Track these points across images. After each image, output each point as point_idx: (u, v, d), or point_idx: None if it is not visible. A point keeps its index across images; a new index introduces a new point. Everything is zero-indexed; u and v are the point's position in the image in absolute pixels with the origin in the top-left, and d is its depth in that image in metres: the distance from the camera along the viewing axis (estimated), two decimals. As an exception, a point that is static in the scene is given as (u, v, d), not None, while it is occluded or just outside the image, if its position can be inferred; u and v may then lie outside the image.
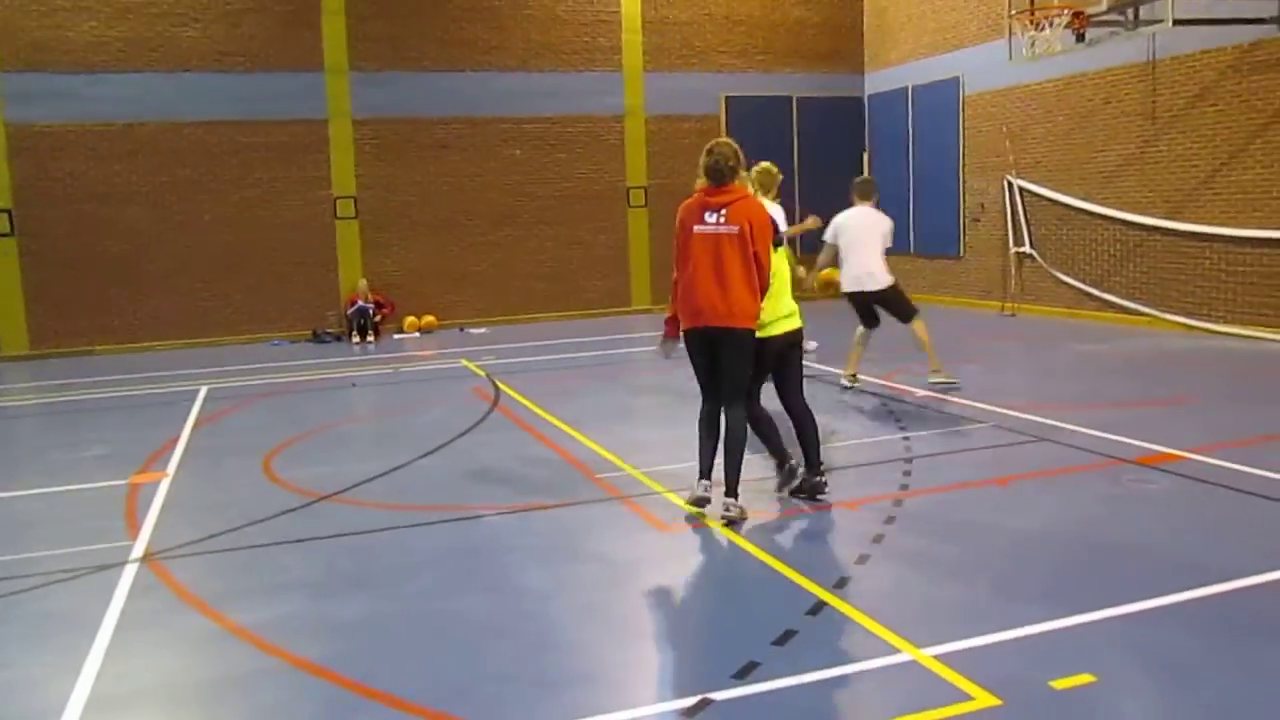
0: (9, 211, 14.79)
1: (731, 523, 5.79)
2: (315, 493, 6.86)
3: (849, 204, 9.68)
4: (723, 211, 5.72)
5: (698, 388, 6.09)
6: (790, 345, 6.23)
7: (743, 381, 5.91)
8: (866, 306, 9.51)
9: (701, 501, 5.95)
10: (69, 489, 7.33)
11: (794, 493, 6.27)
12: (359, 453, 8.35)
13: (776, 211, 7.95)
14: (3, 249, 14.84)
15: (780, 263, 6.17)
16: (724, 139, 5.97)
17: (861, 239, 9.34)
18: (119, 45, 15.15)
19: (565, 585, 5.03)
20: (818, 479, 6.23)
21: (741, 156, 5.89)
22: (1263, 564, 4.81)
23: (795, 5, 18.56)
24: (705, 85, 18.08)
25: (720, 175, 5.77)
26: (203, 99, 15.50)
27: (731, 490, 5.87)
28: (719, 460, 5.96)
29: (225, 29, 15.59)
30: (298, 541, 5.88)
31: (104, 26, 15.06)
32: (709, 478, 6.01)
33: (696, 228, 5.78)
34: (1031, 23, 10.71)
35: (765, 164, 8.02)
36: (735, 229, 5.70)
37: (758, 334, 5.96)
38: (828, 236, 9.56)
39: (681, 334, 6.04)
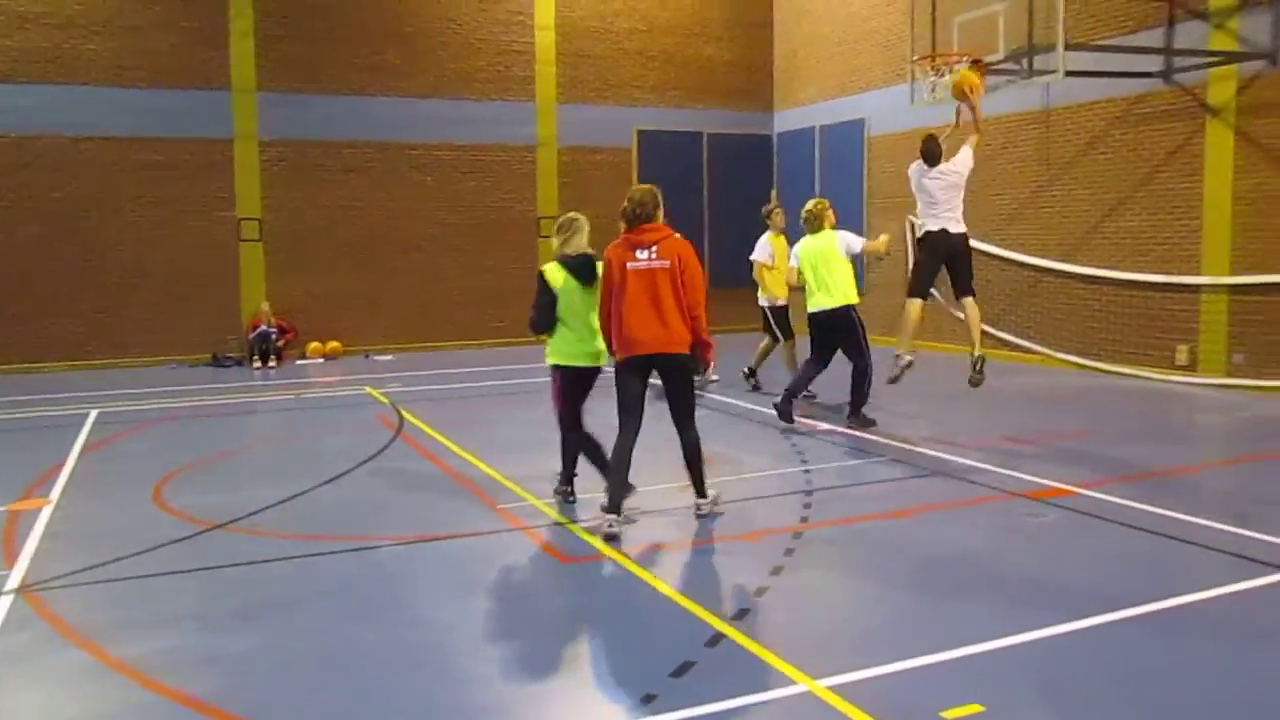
0: (-111, 224, 14.17)
1: (707, 517, 6.45)
2: (208, 521, 6.66)
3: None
4: (654, 248, 6.20)
5: (614, 418, 6.26)
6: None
7: (691, 402, 6.44)
8: (938, 262, 9.28)
9: (612, 538, 6.03)
10: (-57, 516, 6.99)
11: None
12: (256, 480, 8.13)
13: (845, 235, 9.85)
14: (-119, 263, 14.19)
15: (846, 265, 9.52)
16: (643, 185, 6.49)
17: (954, 186, 9.16)
18: (14, 55, 14.65)
19: (465, 617, 4.96)
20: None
21: (660, 198, 6.35)
22: (1146, 595, 4.98)
23: (708, 43, 18.87)
24: (618, 118, 18.23)
25: (642, 218, 6.27)
26: (102, 114, 15.07)
27: (701, 492, 6.51)
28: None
29: (128, 44, 15.21)
30: (186, 572, 5.69)
31: (-1, 36, 14.57)
32: (619, 513, 6.18)
33: (630, 265, 6.19)
34: (932, 68, 11.05)
35: (811, 202, 10.06)
36: (667, 263, 6.19)
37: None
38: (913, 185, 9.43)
39: (615, 362, 6.37)
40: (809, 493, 7.16)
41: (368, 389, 12.60)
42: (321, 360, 15.91)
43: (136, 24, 15.24)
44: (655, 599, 5.17)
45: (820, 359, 9.65)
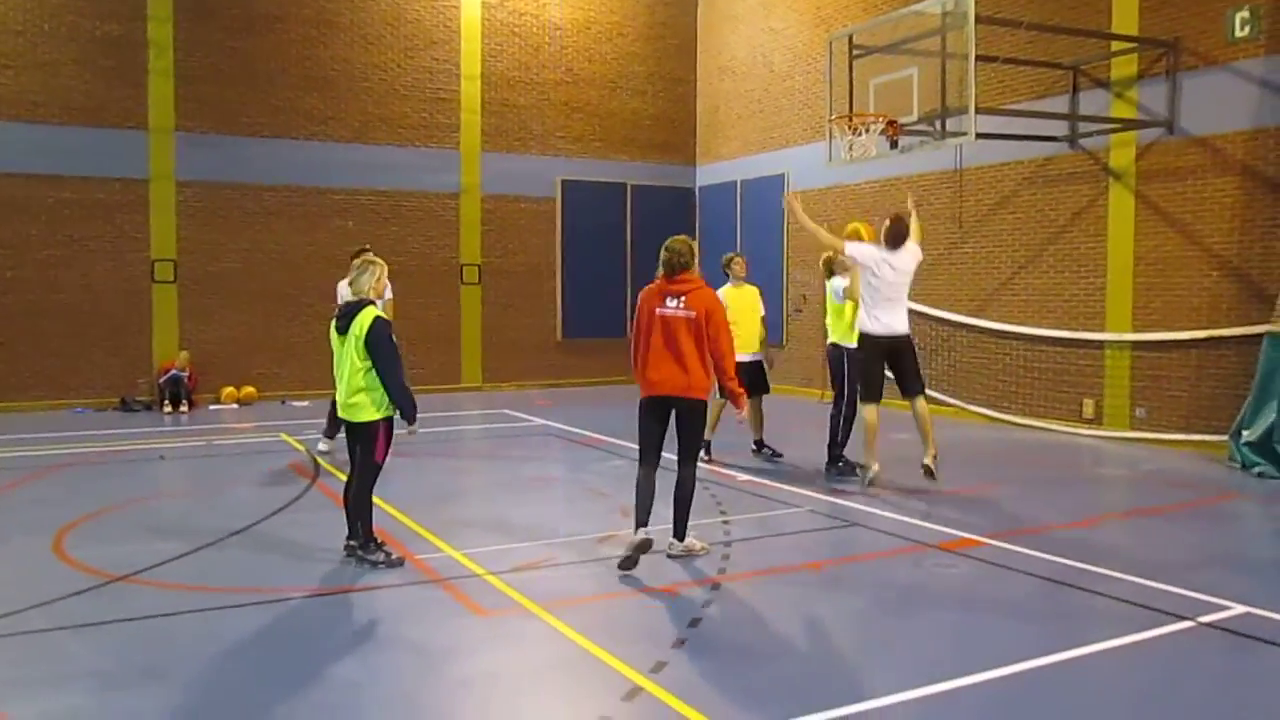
0: None
1: (679, 558, 6.70)
2: (110, 573, 6.43)
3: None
4: (683, 298, 6.59)
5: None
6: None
7: (698, 444, 6.84)
8: (881, 362, 8.92)
9: (644, 545, 6.49)
10: None
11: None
12: (163, 530, 7.88)
13: (865, 249, 9.01)
14: None
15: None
16: (680, 237, 6.83)
17: (901, 282, 8.80)
18: (-81, 90, 14.26)
19: (377, 673, 4.87)
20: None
21: (695, 250, 6.76)
22: (1055, 645, 5.09)
23: (632, 97, 19.14)
24: (542, 168, 18.35)
25: (677, 268, 6.63)
26: (9, 150, 14.69)
27: (678, 534, 6.76)
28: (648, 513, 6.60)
29: (41, 79, 14.89)
30: (86, 626, 5.49)
31: (-97, 69, 14.16)
32: (646, 525, 6.57)
33: (658, 310, 6.62)
34: (850, 128, 11.34)
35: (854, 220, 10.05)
36: (694, 314, 6.55)
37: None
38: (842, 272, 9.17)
39: (639, 401, 6.74)
40: (727, 544, 7.19)
41: (283, 436, 12.35)
42: (235, 406, 15.57)
43: (51, 59, 14.94)
44: (573, 652, 5.14)
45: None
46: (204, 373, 15.66)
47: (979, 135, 10.73)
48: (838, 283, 9.85)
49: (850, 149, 11.46)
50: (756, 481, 9.39)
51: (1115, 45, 11.88)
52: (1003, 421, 13.17)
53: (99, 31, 15.20)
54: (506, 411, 14.58)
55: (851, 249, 8.97)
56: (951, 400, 14.01)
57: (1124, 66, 11.89)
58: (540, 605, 5.79)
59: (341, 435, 7.61)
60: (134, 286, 15.54)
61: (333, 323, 6.78)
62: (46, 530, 7.54)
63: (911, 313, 14.56)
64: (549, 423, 13.38)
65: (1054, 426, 12.54)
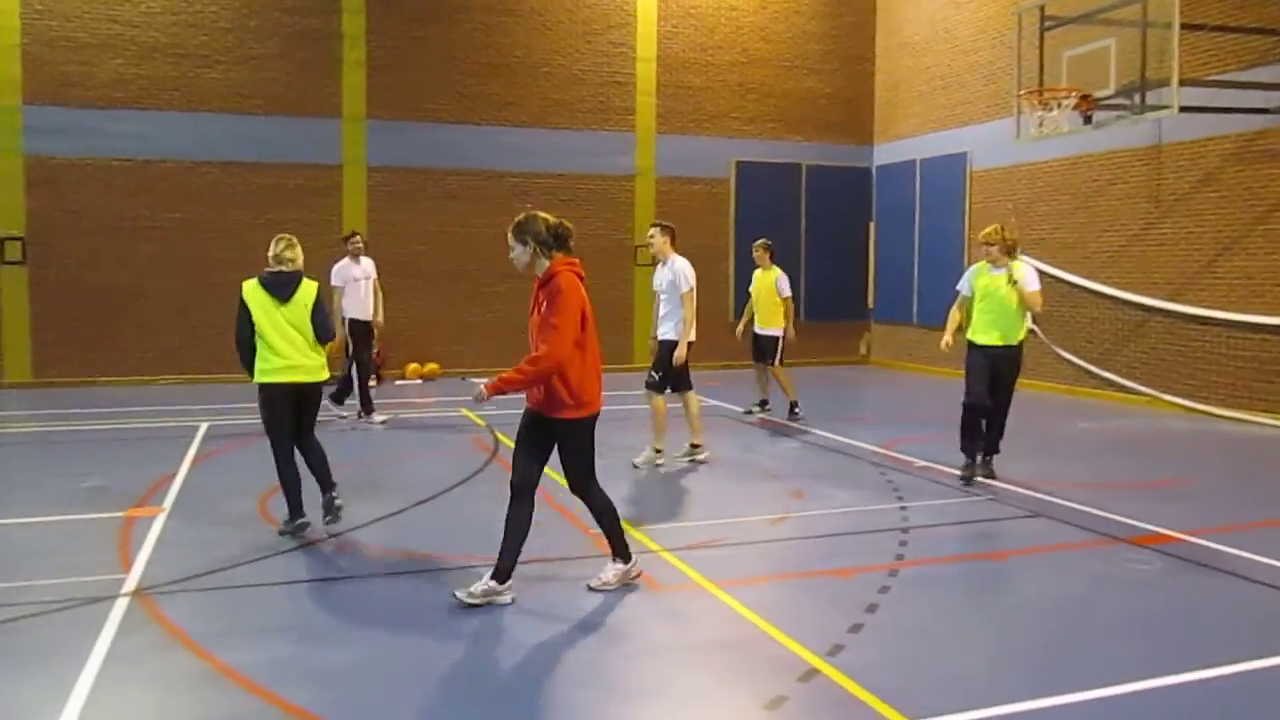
0: (22, 240, 14.96)
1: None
2: (308, 536, 6.85)
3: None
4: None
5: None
6: None
7: None
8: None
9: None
10: (64, 519, 7.33)
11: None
12: (354, 497, 8.29)
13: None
14: (13, 277, 14.98)
15: None
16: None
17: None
18: (141, 84, 15.40)
19: (557, 643, 5.01)
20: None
21: None
22: (1249, 651, 4.80)
23: (807, 76, 18.88)
24: (716, 149, 18.32)
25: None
26: (220, 140, 15.74)
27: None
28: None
29: (247, 73, 15.86)
30: (290, 583, 5.87)
31: (128, 65, 15.33)
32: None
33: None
34: (1040, 103, 10.88)
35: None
36: None
37: None
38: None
39: (593, 417, 6.04)
40: (905, 530, 7.06)
41: (463, 411, 12.81)
42: (420, 381, 16.24)
43: (255, 54, 15.90)
44: (749, 631, 5.15)
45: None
46: (391, 349, 16.40)
47: (1182, 108, 10.12)
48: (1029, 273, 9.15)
49: (1040, 125, 11.01)
50: (934, 467, 9.16)
51: (1340, 8, 10.97)
52: (1201, 413, 12.41)
53: (298, 26, 16.07)
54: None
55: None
56: (1145, 389, 13.29)
57: (1349, 31, 10.96)
58: (715, 583, 5.83)
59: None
60: (329, 267, 16.36)
61: (257, 288, 7.21)
62: (252, 493, 8.08)
63: (1102, 296, 14.01)
64: (720, 403, 13.41)
65: (1261, 420, 11.73)
